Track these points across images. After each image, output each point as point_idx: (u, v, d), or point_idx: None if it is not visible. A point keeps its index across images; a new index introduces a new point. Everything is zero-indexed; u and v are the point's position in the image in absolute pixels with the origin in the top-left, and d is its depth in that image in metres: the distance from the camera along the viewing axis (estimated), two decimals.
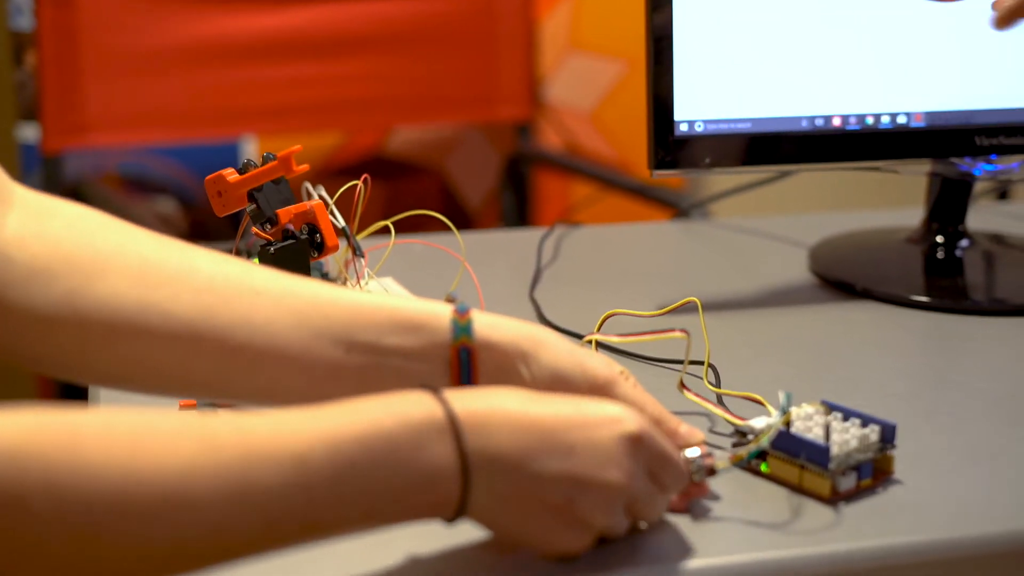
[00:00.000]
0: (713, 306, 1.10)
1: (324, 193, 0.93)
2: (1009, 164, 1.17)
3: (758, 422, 0.80)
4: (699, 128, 1.09)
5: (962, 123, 1.14)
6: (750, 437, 0.79)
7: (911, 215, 1.24)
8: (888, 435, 0.78)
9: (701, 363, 0.91)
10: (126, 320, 0.70)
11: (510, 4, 2.22)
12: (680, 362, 0.94)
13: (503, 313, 0.75)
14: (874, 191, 1.89)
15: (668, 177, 1.11)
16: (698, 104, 1.09)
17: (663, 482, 0.70)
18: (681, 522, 0.73)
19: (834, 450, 0.75)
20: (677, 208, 1.76)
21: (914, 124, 1.13)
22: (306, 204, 0.91)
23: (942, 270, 1.19)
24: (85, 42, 1.97)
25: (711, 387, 0.89)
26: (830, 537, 0.73)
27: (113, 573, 0.58)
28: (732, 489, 0.77)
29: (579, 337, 0.98)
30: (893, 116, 1.13)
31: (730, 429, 0.84)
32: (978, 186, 1.22)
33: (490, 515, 0.66)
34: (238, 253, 0.92)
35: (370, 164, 2.49)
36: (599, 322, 0.91)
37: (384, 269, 1.01)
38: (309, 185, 0.94)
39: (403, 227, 0.97)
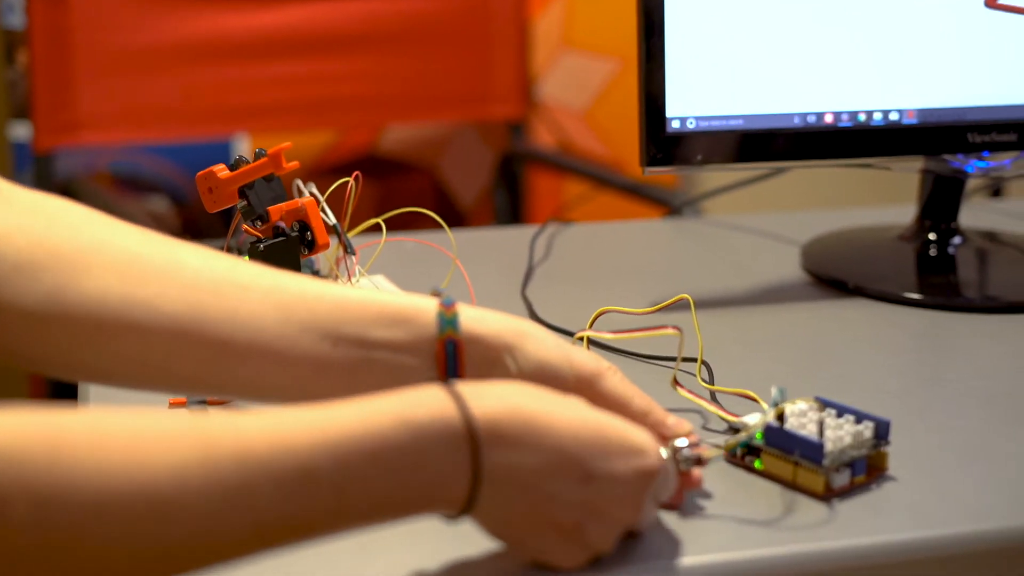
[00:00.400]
0: (706, 303, 1.10)
1: (315, 191, 0.93)
2: (1001, 161, 1.17)
3: (751, 418, 0.80)
4: (691, 125, 1.09)
5: (954, 120, 1.14)
6: (743, 431, 0.78)
7: (904, 212, 1.24)
8: (882, 432, 0.78)
9: (694, 360, 0.91)
10: (112, 316, 0.70)
11: (503, 2, 2.22)
12: (673, 359, 0.94)
13: (495, 310, 0.75)
14: (866, 188, 1.89)
15: (660, 174, 1.11)
16: (690, 101, 1.09)
17: (660, 497, 0.70)
18: (674, 519, 0.73)
19: (828, 446, 0.75)
20: (669, 206, 1.76)
21: (906, 121, 1.13)
22: (298, 201, 0.91)
23: (935, 267, 1.19)
24: (77, 40, 1.96)
25: (704, 384, 0.89)
26: (824, 534, 0.72)
27: None
28: (726, 486, 0.77)
29: (571, 334, 0.98)
30: (885, 113, 1.13)
31: (723, 426, 0.84)
32: (970, 183, 1.21)
33: (494, 523, 0.66)
34: (229, 250, 0.92)
35: (363, 162, 2.49)
36: (591, 319, 0.90)
37: (375, 267, 1.01)
38: (300, 183, 0.94)
39: (395, 225, 0.97)
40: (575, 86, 2.56)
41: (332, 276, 0.96)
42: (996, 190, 1.74)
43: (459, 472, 0.63)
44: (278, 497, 0.59)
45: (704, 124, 1.09)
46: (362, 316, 0.71)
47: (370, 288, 1.00)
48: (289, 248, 0.90)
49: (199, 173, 0.90)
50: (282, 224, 0.90)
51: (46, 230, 0.72)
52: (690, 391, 0.84)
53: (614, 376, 0.75)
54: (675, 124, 1.09)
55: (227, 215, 0.93)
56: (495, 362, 0.72)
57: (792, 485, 0.76)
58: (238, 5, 2.05)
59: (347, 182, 0.93)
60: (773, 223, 1.35)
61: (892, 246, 1.21)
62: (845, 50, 1.12)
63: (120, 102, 2.01)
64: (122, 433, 0.58)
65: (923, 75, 1.13)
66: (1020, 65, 1.14)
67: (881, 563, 0.72)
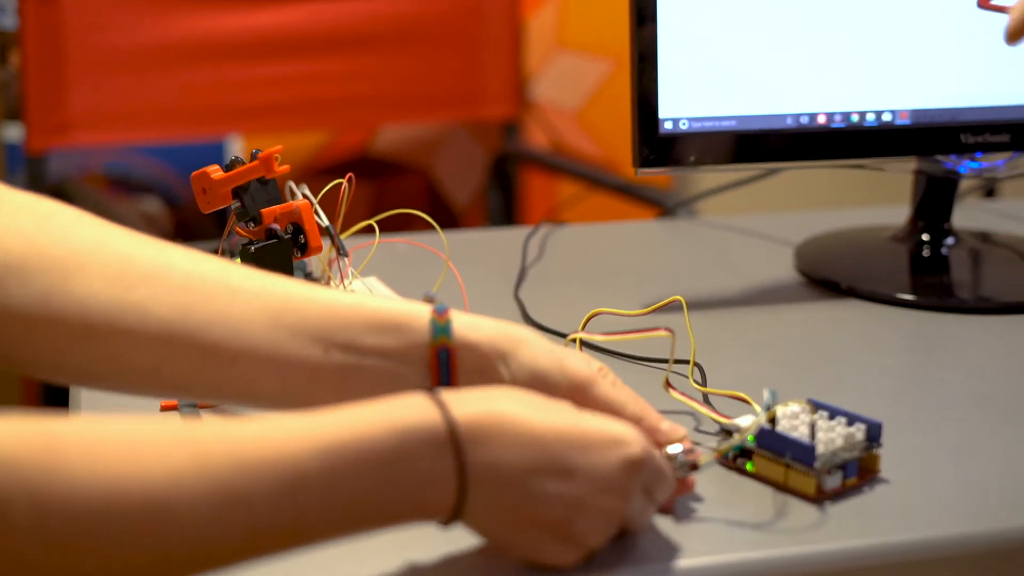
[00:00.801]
0: (699, 305, 1.10)
1: (308, 192, 0.93)
2: (994, 162, 1.17)
3: (744, 420, 0.80)
4: (684, 126, 1.09)
5: (947, 121, 1.14)
6: (736, 436, 0.78)
7: (897, 213, 1.23)
8: (874, 434, 0.77)
9: (687, 362, 0.90)
10: (102, 319, 0.70)
11: (496, 3, 2.21)
12: (666, 361, 0.93)
13: (487, 313, 0.75)
14: (860, 189, 1.89)
15: (653, 175, 1.11)
16: (683, 102, 1.09)
17: (655, 497, 0.70)
18: (666, 522, 0.73)
19: (820, 449, 0.75)
20: (663, 207, 1.76)
21: (899, 122, 1.13)
22: (292, 204, 0.91)
23: (928, 268, 1.19)
24: (69, 41, 1.96)
25: (697, 386, 0.89)
26: (815, 536, 0.72)
27: None
28: (717, 488, 0.77)
29: (564, 336, 0.98)
30: (878, 114, 1.13)
31: (716, 428, 0.84)
32: (964, 184, 1.21)
33: (484, 525, 0.66)
34: (223, 253, 0.92)
35: (356, 163, 2.49)
36: (584, 321, 0.90)
37: (368, 268, 1.00)
38: (293, 184, 0.93)
39: (388, 226, 0.97)
40: (568, 86, 2.56)
41: (324, 278, 0.96)
42: (989, 191, 1.74)
43: (445, 474, 0.63)
44: (270, 502, 0.59)
45: (697, 125, 1.09)
46: (353, 322, 0.71)
47: (363, 290, 0.99)
48: (281, 250, 0.90)
49: (194, 173, 0.90)
50: (276, 226, 0.90)
51: (37, 232, 0.72)
52: (682, 393, 0.84)
53: (607, 382, 0.74)
54: (668, 125, 1.09)
55: (220, 216, 0.93)
56: (488, 369, 0.72)
57: (784, 488, 0.76)
58: (231, 6, 2.05)
59: (340, 183, 0.93)
60: (766, 224, 1.35)
61: (885, 247, 1.21)
62: (838, 51, 1.12)
63: (113, 103, 2.01)
64: (117, 439, 0.58)
65: (916, 76, 1.13)
66: (1013, 66, 1.14)
67: (873, 565, 0.72)
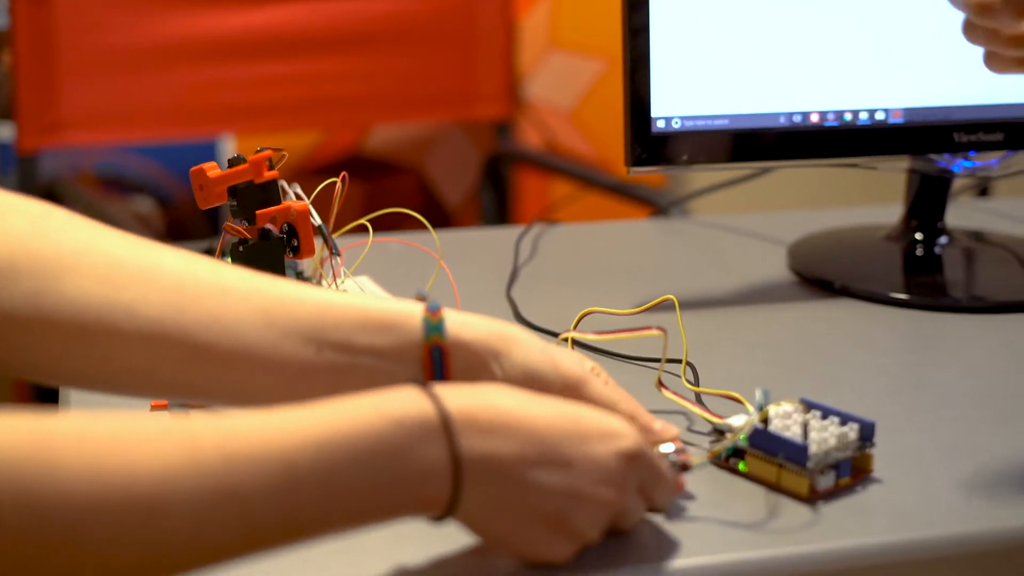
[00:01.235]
0: (692, 304, 1.10)
1: (300, 191, 0.92)
2: (988, 160, 1.17)
3: (736, 420, 0.79)
4: (676, 125, 1.09)
5: (941, 119, 1.14)
6: (728, 435, 0.78)
7: (890, 212, 1.23)
8: (867, 433, 0.77)
9: (679, 361, 0.90)
10: (93, 320, 0.69)
11: (489, 2, 2.21)
12: (658, 360, 0.93)
13: (480, 312, 0.75)
14: (853, 188, 1.89)
15: (645, 174, 1.11)
16: (675, 101, 1.08)
17: (651, 497, 0.70)
18: (657, 522, 0.73)
19: (812, 448, 0.74)
20: (656, 206, 1.76)
21: (892, 120, 1.13)
22: (290, 204, 0.90)
23: (921, 267, 1.19)
24: (61, 40, 1.95)
25: (689, 385, 0.89)
26: (808, 537, 0.72)
27: None
28: (709, 488, 0.77)
29: (556, 335, 0.98)
30: (871, 112, 1.12)
31: (708, 428, 0.83)
32: (957, 183, 1.21)
33: (478, 519, 0.65)
34: (217, 253, 0.91)
35: (349, 163, 2.48)
36: (576, 320, 0.90)
37: (361, 268, 1.00)
38: (285, 184, 0.93)
39: (381, 226, 0.96)
40: (561, 86, 2.56)
41: (316, 277, 0.96)
42: (983, 190, 1.74)
43: (439, 465, 0.63)
44: (263, 496, 0.59)
45: (689, 124, 1.09)
46: (346, 321, 0.71)
47: (354, 289, 0.99)
48: (272, 250, 0.90)
49: (193, 168, 0.90)
50: (270, 227, 0.90)
51: (27, 234, 0.72)
52: (675, 392, 0.83)
53: (600, 381, 0.74)
54: (660, 124, 1.08)
55: (213, 216, 0.92)
56: (481, 368, 0.72)
57: (776, 487, 0.76)
58: (223, 5, 2.05)
59: (334, 183, 0.92)
60: (759, 223, 1.35)
61: (878, 246, 1.21)
62: (831, 49, 1.11)
63: (105, 102, 2.00)
64: (109, 436, 0.58)
65: (909, 74, 1.13)
66: None
67: (866, 566, 0.71)
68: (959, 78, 1.14)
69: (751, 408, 0.80)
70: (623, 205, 2.04)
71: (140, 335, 0.70)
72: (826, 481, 0.75)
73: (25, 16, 1.93)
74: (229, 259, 0.89)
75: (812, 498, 0.75)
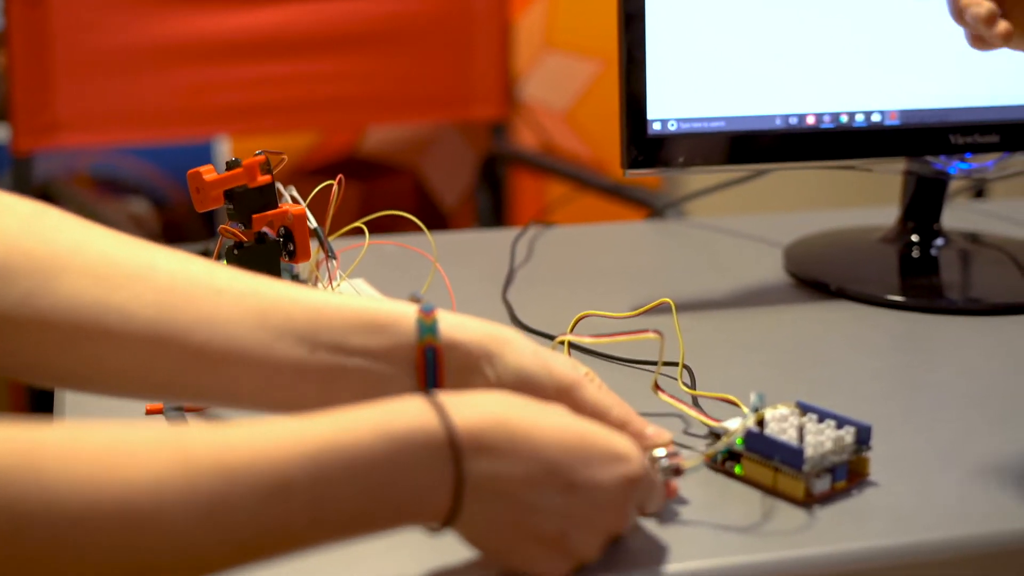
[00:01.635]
0: (688, 306, 1.10)
1: (295, 193, 0.92)
2: (984, 162, 1.17)
3: (732, 423, 0.79)
4: (672, 127, 1.09)
5: (937, 121, 1.14)
6: (724, 439, 0.78)
7: (886, 214, 1.23)
8: (863, 436, 0.77)
9: (675, 364, 0.90)
10: (86, 320, 0.69)
11: (485, 3, 2.21)
12: (654, 363, 0.93)
13: (475, 314, 0.75)
14: (849, 190, 1.89)
15: (641, 176, 1.10)
16: (671, 103, 1.08)
17: (645, 509, 0.70)
18: (653, 526, 0.72)
19: (808, 452, 0.74)
20: (652, 208, 1.76)
21: (889, 123, 1.13)
22: (287, 208, 0.90)
23: (917, 269, 1.18)
24: (56, 41, 1.95)
25: (686, 388, 0.88)
26: (804, 540, 0.72)
27: None
28: (705, 491, 0.77)
29: (552, 338, 0.97)
30: (868, 114, 1.12)
31: (705, 431, 0.83)
32: (953, 185, 1.21)
33: (476, 534, 0.65)
34: (214, 256, 0.91)
35: (344, 164, 2.48)
36: (572, 323, 0.90)
37: (356, 270, 1.00)
38: (280, 185, 0.93)
39: (376, 228, 0.96)
40: (557, 87, 2.56)
41: (312, 280, 0.95)
42: (979, 191, 1.74)
43: (441, 483, 0.62)
44: (256, 509, 0.58)
45: (686, 126, 1.09)
46: (339, 322, 0.71)
47: (349, 292, 0.99)
48: (267, 253, 0.90)
49: (190, 171, 0.89)
50: (267, 231, 0.90)
51: (20, 233, 0.71)
52: (671, 395, 0.83)
53: (592, 384, 0.74)
54: (656, 126, 1.08)
55: (209, 218, 0.92)
56: (474, 370, 0.72)
57: (772, 491, 0.76)
58: (219, 6, 2.04)
59: (330, 185, 0.92)
60: (755, 225, 1.35)
61: (875, 248, 1.21)
62: (827, 51, 1.11)
63: (100, 104, 2.00)
64: (99, 446, 0.57)
65: (905, 76, 1.13)
66: (1002, 66, 1.14)
67: (863, 569, 0.71)
68: (955, 80, 1.14)
69: (747, 411, 0.80)
70: (619, 207, 2.04)
71: (133, 335, 0.69)
72: (822, 484, 0.75)
73: (20, 17, 1.93)
74: (225, 262, 0.89)
75: (808, 502, 0.75)
